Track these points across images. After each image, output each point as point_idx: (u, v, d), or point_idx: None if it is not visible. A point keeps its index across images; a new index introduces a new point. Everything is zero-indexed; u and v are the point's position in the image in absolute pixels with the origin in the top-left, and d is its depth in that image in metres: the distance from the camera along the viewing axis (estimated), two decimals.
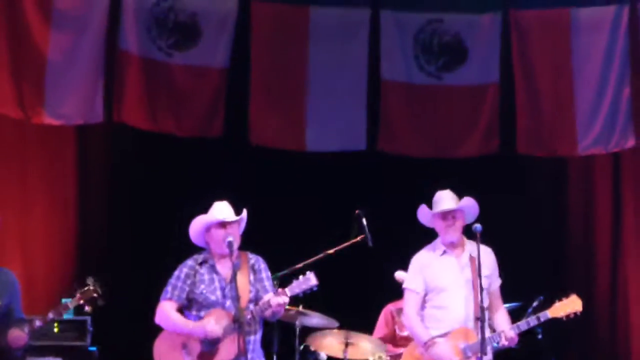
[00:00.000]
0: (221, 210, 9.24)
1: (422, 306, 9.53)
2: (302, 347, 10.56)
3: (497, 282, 9.54)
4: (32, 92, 11.31)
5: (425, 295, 9.48)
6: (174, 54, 11.73)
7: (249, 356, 8.98)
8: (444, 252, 9.47)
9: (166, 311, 9.06)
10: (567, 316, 9.33)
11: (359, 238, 10.11)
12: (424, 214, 9.49)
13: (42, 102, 11.34)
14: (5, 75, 11.27)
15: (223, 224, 9.08)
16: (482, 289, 9.12)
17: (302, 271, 9.15)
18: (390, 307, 11.04)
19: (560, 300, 9.36)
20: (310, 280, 8.82)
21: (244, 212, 9.11)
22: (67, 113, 11.45)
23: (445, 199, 9.43)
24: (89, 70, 11.47)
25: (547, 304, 9.51)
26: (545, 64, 12.03)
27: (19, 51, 11.32)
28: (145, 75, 11.68)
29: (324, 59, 11.96)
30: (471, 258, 9.33)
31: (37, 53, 11.33)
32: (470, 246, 9.35)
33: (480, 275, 9.12)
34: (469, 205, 9.41)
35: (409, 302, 9.53)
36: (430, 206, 9.52)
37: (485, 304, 9.23)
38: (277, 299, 8.78)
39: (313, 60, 11.97)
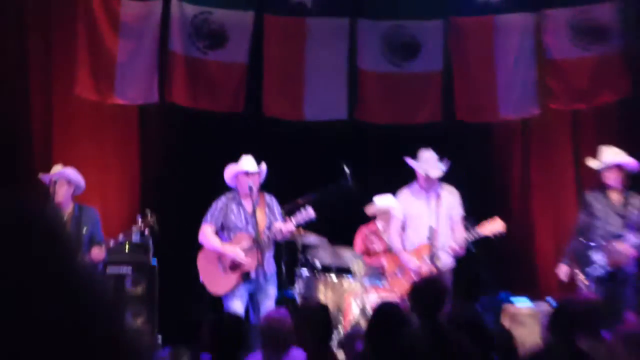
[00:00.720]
0: (247, 162, 10.00)
1: (402, 228, 10.47)
2: (302, 257, 11.18)
3: (459, 213, 10.38)
4: (106, 82, 11.79)
5: (404, 222, 10.44)
6: (208, 52, 12.16)
7: (265, 265, 9.93)
8: (419, 190, 10.39)
9: (206, 233, 10.06)
10: (494, 234, 10.06)
11: (343, 183, 10.67)
12: (411, 164, 10.28)
13: (113, 88, 11.82)
14: (86, 71, 11.73)
15: (247, 173, 9.97)
16: (439, 217, 10.08)
17: (304, 206, 9.98)
18: (363, 229, 11.61)
19: (487, 221, 10.08)
20: (309, 213, 9.86)
21: (263, 165, 10.01)
22: (131, 96, 11.95)
23: (432, 163, 10.30)
24: (147, 66, 11.97)
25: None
26: (475, 55, 12.47)
27: (96, 53, 11.78)
28: (187, 68, 12.12)
29: (317, 54, 12.40)
30: (437, 196, 10.23)
31: (109, 55, 11.81)
32: (439, 187, 10.26)
33: (440, 208, 10.11)
34: (444, 170, 10.20)
35: (394, 224, 10.56)
36: (412, 157, 10.31)
37: (446, 228, 10.25)
38: (285, 226, 9.84)
39: (309, 55, 12.42)
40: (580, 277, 10.24)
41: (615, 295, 9.98)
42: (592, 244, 10.22)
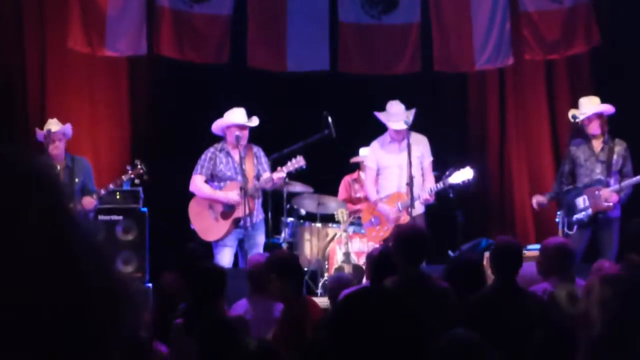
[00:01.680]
0: (239, 115, 10.09)
1: (376, 178, 10.56)
2: (288, 206, 11.05)
3: (428, 159, 10.48)
4: (97, 36, 11.76)
5: (378, 170, 10.53)
6: (194, 6, 12.09)
7: (254, 213, 10.04)
8: (390, 141, 10.46)
9: (197, 183, 10.16)
10: (463, 182, 10.17)
11: (326, 132, 10.64)
12: (379, 117, 10.39)
13: (104, 42, 11.79)
14: (78, 26, 11.70)
15: (239, 126, 10.06)
16: (411, 165, 9.95)
17: (289, 156, 10.11)
18: (347, 178, 11.69)
19: (457, 170, 10.20)
20: (300, 161, 9.94)
21: (255, 119, 10.10)
22: (121, 48, 11.94)
23: (399, 115, 10.26)
24: (135, 19, 11.92)
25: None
26: (451, 8, 12.43)
27: (87, 8, 11.74)
28: (174, 21, 12.06)
29: (298, 7, 12.33)
30: (408, 145, 10.02)
31: (99, 9, 11.76)
32: (408, 137, 10.07)
33: (410, 156, 9.97)
34: (412, 118, 10.16)
35: (368, 175, 10.67)
36: (379, 110, 10.41)
37: (417, 175, 10.24)
38: (277, 175, 9.93)
39: (291, 7, 12.31)
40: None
41: (597, 238, 10.24)
42: (577, 189, 10.35)
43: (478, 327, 4.34)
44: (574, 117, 10.34)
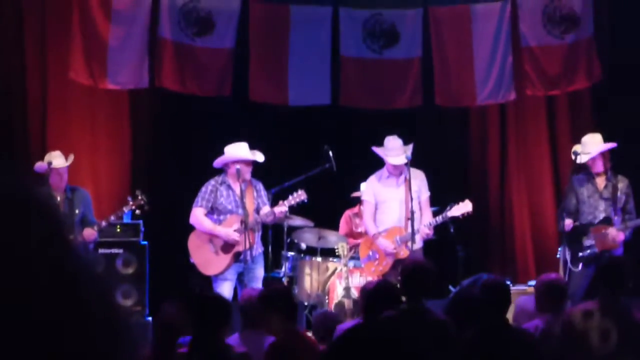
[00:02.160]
0: (244, 149, 10.11)
1: (375, 213, 10.52)
2: (288, 240, 11.10)
3: (426, 194, 10.47)
4: (98, 67, 11.73)
5: (376, 204, 10.50)
6: (196, 39, 12.10)
7: (254, 246, 9.98)
8: (388, 176, 10.45)
9: (198, 215, 10.09)
10: (463, 215, 10.17)
11: (327, 165, 10.73)
12: (376, 152, 10.37)
13: (105, 73, 11.75)
14: (80, 57, 11.67)
15: (244, 161, 10.04)
16: (412, 199, 10.07)
17: (291, 190, 10.11)
18: (348, 212, 11.75)
19: (457, 204, 10.20)
20: (302, 195, 9.92)
21: (260, 155, 10.12)
22: (122, 81, 11.92)
23: (396, 150, 10.33)
24: (137, 51, 11.90)
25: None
26: (453, 43, 12.40)
27: (89, 40, 11.73)
28: (176, 54, 12.07)
29: (300, 41, 12.32)
30: (406, 179, 10.21)
31: (101, 41, 11.76)
32: (407, 172, 10.24)
33: (410, 191, 10.12)
34: (410, 154, 10.21)
35: (366, 209, 10.63)
36: (379, 145, 10.39)
37: (416, 209, 10.23)
38: (279, 208, 9.90)
39: (292, 42, 12.32)
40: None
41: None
42: (583, 226, 10.35)
43: None
44: (575, 153, 10.31)
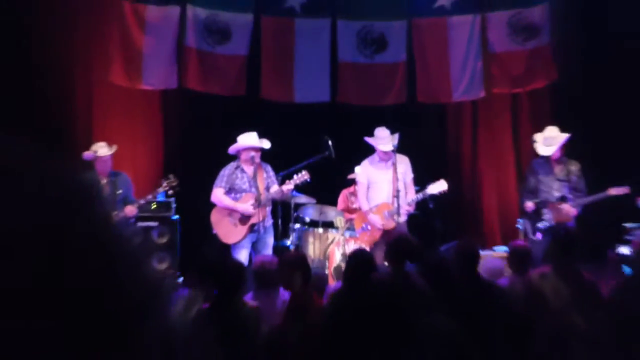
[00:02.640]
0: (253, 139, 10.08)
1: (367, 191, 10.48)
2: (295, 214, 11.00)
3: (410, 176, 10.40)
4: (135, 71, 11.84)
5: (368, 184, 10.46)
6: (216, 47, 12.09)
7: (266, 219, 10.05)
8: (379, 160, 10.40)
9: (218, 194, 10.11)
10: (440, 193, 10.18)
11: (326, 153, 10.58)
12: (368, 141, 10.31)
13: (140, 77, 11.86)
14: (119, 63, 11.78)
15: (253, 148, 10.05)
16: (397, 180, 10.09)
17: (297, 172, 10.06)
18: (345, 191, 11.58)
19: (434, 182, 10.21)
20: (305, 175, 9.89)
21: (267, 142, 10.08)
22: (155, 82, 11.98)
23: (385, 139, 10.28)
24: (167, 58, 11.97)
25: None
26: (432, 49, 12.37)
27: (127, 49, 11.83)
28: (199, 59, 12.08)
29: (304, 48, 12.31)
30: (393, 163, 10.19)
31: (137, 49, 11.86)
32: (394, 157, 10.20)
33: (396, 173, 10.11)
34: (397, 142, 10.18)
35: (360, 188, 10.56)
36: (370, 135, 10.34)
37: (401, 189, 10.21)
38: (286, 187, 9.91)
39: (297, 49, 12.31)
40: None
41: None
42: (542, 202, 10.39)
43: (451, 314, 4.36)
44: (534, 140, 10.50)
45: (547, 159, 10.49)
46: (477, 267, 6.78)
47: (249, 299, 6.84)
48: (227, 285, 6.00)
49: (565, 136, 10.45)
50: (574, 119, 11.26)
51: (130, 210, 10.17)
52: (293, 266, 6.77)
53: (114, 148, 10.44)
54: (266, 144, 10.21)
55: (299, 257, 7.10)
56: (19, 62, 11.12)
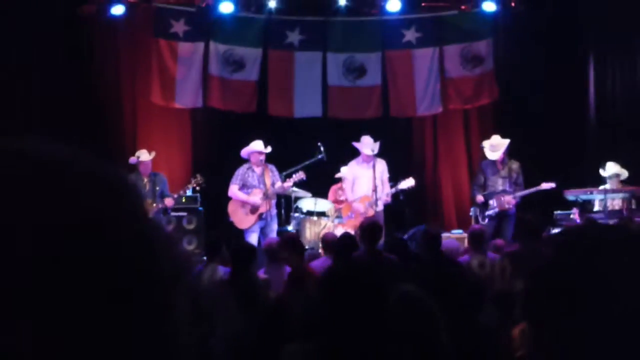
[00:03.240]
0: (259, 145, 10.12)
1: (352, 186, 10.50)
2: (295, 205, 11.00)
3: (386, 175, 10.44)
4: (169, 93, 11.82)
5: (353, 181, 10.47)
6: (233, 74, 11.99)
7: (271, 209, 10.09)
8: (362, 162, 10.43)
9: (233, 190, 10.16)
10: (408, 188, 10.28)
11: (319, 156, 10.55)
12: (356, 145, 10.37)
13: (174, 98, 11.85)
14: (157, 87, 11.76)
15: (259, 152, 10.09)
16: (376, 178, 10.11)
17: (296, 172, 10.11)
18: (334, 187, 11.27)
19: (404, 179, 10.30)
20: (301, 175, 9.94)
21: (269, 148, 10.11)
22: (185, 102, 11.93)
23: (368, 145, 10.28)
24: (195, 83, 11.93)
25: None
26: (401, 75, 12.24)
27: (163, 75, 11.81)
28: (220, 84, 12.00)
29: (301, 74, 12.19)
30: (373, 165, 10.22)
31: (171, 76, 11.83)
32: (374, 160, 10.26)
33: (375, 172, 10.14)
34: (377, 148, 10.24)
35: (346, 184, 10.58)
36: (357, 141, 10.36)
37: (379, 185, 10.23)
38: (287, 184, 10.00)
39: (296, 75, 12.19)
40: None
41: (499, 227, 10.35)
42: (489, 194, 10.44)
43: (419, 285, 4.33)
44: (483, 147, 10.61)
45: (493, 161, 10.58)
46: (440, 246, 6.80)
47: (261, 273, 6.91)
48: (241, 261, 6.04)
49: (506, 142, 10.55)
50: (513, 128, 11.29)
51: (169, 201, 10.23)
52: (289, 246, 6.85)
53: (153, 154, 10.46)
54: (268, 149, 10.25)
55: (297, 239, 7.19)
56: (82, 87, 11.35)
